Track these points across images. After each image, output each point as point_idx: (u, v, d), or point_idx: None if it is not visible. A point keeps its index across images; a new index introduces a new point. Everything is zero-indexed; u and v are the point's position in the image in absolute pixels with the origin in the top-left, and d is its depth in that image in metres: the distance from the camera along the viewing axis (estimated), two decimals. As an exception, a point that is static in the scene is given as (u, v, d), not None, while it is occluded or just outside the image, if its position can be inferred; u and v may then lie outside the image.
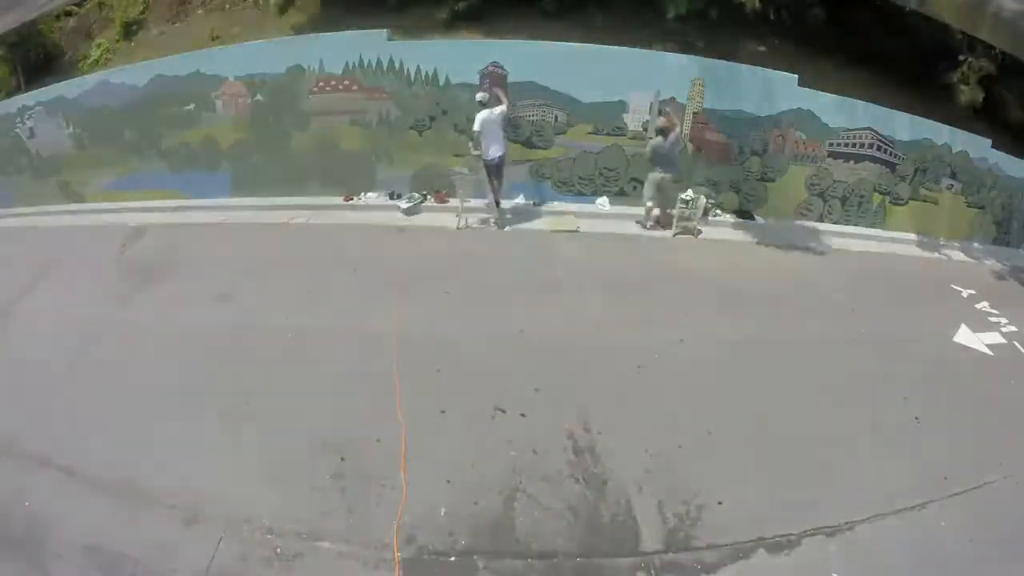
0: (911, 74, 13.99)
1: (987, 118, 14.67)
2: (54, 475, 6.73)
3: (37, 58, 17.97)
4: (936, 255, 12.93)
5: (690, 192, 12.24)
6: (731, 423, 7.51)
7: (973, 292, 11.56)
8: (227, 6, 16.85)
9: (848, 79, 13.47)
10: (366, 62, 12.27)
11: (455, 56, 12.21)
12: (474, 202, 12.13)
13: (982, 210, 14.08)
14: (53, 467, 6.83)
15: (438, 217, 12.36)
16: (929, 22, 13.32)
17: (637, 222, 12.42)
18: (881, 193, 13.42)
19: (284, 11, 15.85)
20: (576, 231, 12.07)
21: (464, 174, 11.81)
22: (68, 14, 19.27)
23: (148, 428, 7.26)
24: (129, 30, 17.67)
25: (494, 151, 11.44)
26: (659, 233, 12.23)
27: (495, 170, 11.69)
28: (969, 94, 14.11)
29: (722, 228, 12.77)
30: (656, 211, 12.24)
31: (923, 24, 13.55)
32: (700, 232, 12.29)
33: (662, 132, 11.56)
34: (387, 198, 13.12)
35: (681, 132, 12.03)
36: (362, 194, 13.24)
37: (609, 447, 7.05)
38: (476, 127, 11.25)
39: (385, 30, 12.21)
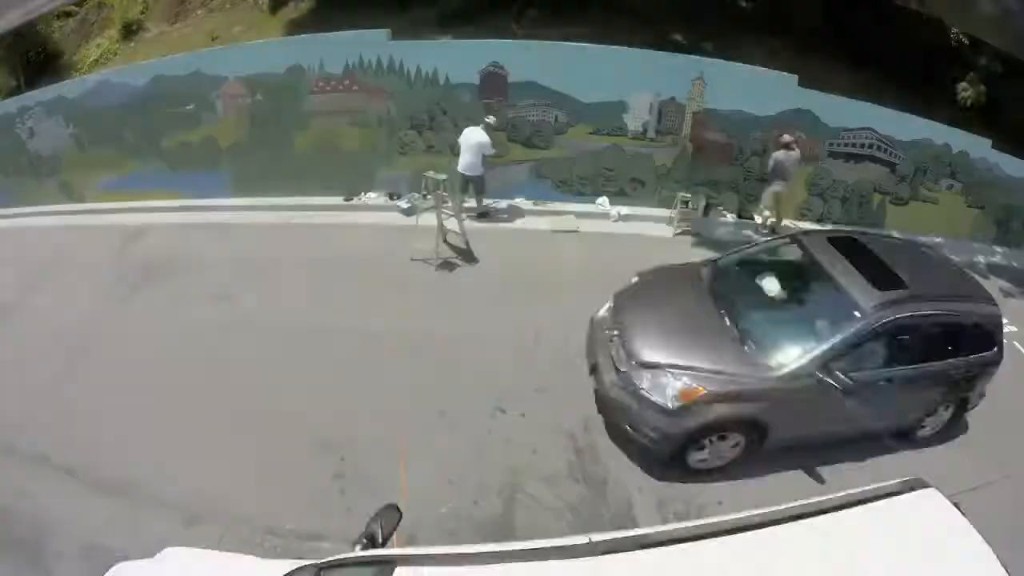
0: (911, 74, 14.00)
1: (987, 118, 14.68)
2: (54, 475, 6.74)
3: (37, 58, 17.99)
4: (936, 255, 12.91)
5: (690, 192, 12.34)
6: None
7: (973, 292, 11.56)
8: (227, 6, 16.88)
9: (848, 79, 13.47)
10: (366, 62, 12.24)
11: (455, 56, 12.15)
12: (471, 203, 12.18)
13: (982, 210, 14.06)
14: (53, 467, 6.84)
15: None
16: (929, 22, 13.36)
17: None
18: (881, 193, 13.40)
19: (276, 10, 15.90)
20: (576, 231, 12.10)
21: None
22: (68, 14, 19.31)
23: (148, 428, 7.28)
24: (129, 30, 17.72)
25: (462, 166, 11.71)
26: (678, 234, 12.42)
27: (466, 185, 12.02)
28: (973, 92, 14.08)
29: (722, 228, 12.75)
30: (772, 219, 12.63)
31: (923, 24, 13.59)
32: (699, 233, 12.30)
33: (787, 147, 11.78)
34: (387, 198, 13.10)
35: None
36: (362, 194, 13.23)
37: (608, 447, 7.07)
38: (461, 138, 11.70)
39: (386, 30, 12.19)
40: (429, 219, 10.89)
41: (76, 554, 5.82)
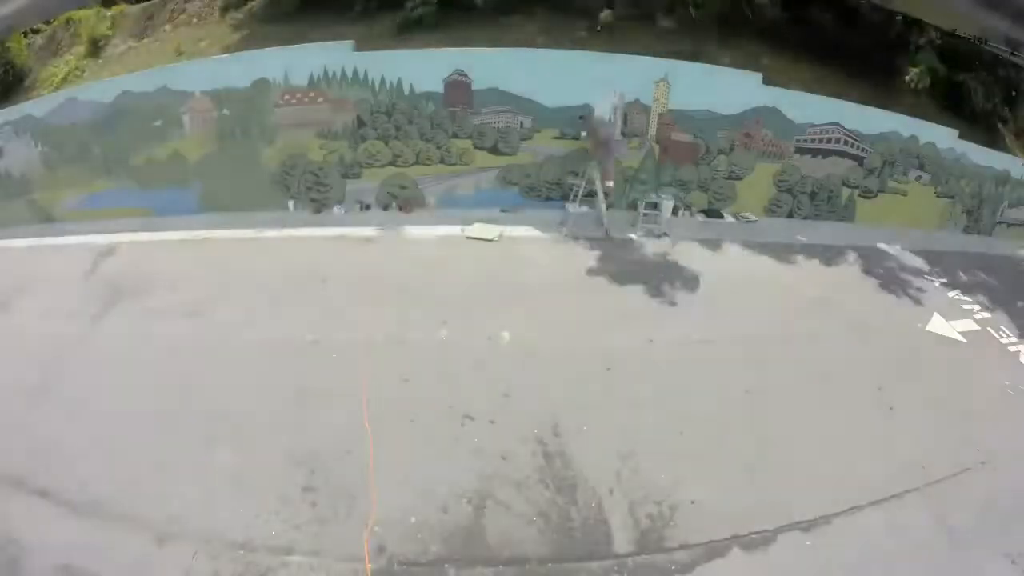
0: (874, 68, 14.15)
1: (953, 110, 14.87)
2: (27, 497, 6.68)
3: (4, 76, 17.81)
4: (907, 246, 13.01)
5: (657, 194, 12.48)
6: (702, 421, 7.57)
7: (945, 281, 11.72)
8: (194, 21, 16.80)
9: (812, 76, 13.60)
10: (331, 73, 12.23)
11: (419, 65, 12.18)
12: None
13: (951, 200, 14.24)
14: (26, 489, 6.78)
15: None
16: (890, 15, 13.51)
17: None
18: (850, 187, 13.55)
19: (226, 11, 15.94)
20: (495, 239, 11.91)
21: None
22: (36, 31, 19.14)
23: (120, 447, 7.23)
24: (96, 46, 17.56)
25: None
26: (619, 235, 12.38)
27: None
28: (917, 74, 14.19)
29: (690, 227, 12.81)
30: None
31: (884, 18, 13.74)
32: (666, 233, 12.31)
33: None
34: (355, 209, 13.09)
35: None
36: (332, 205, 13.20)
37: (579, 450, 7.08)
38: None
39: (350, 41, 12.19)
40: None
41: (50, 575, 5.79)
